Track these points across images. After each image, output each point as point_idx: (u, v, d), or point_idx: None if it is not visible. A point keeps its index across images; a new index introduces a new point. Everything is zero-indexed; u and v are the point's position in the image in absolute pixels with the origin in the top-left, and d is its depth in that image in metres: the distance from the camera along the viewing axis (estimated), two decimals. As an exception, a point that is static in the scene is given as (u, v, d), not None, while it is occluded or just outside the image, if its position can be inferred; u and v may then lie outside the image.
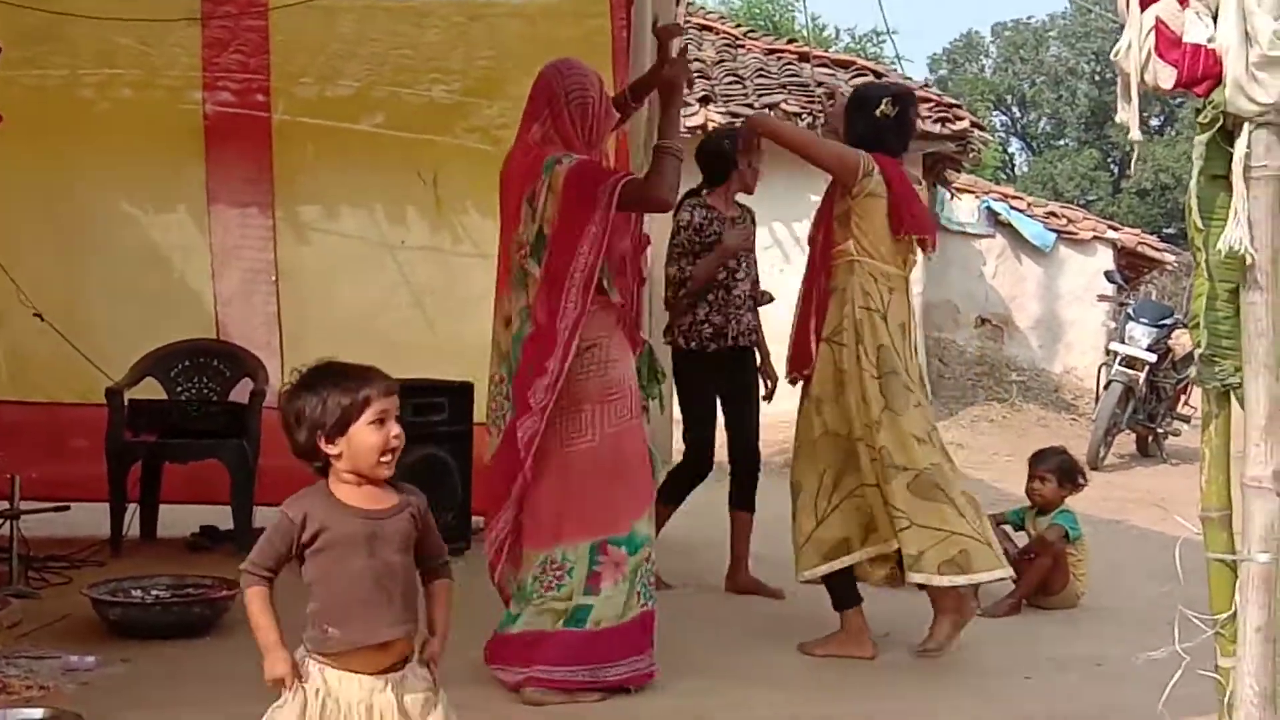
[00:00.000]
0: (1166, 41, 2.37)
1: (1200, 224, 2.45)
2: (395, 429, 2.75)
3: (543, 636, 4.25)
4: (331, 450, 2.73)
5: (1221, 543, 2.60)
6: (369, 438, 2.71)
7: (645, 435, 4.45)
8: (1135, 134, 2.40)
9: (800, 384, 4.95)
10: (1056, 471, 5.96)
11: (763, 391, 6.04)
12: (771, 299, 6.16)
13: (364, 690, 2.69)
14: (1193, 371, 2.59)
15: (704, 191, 5.98)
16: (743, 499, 5.97)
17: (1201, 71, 2.38)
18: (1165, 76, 2.36)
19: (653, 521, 4.43)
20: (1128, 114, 2.40)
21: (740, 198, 6.10)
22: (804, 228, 11.73)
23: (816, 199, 12.11)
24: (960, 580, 4.66)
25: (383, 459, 2.73)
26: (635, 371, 4.43)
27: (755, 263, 6.09)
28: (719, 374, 5.90)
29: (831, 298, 4.85)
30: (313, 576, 2.73)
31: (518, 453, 4.23)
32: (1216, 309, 2.50)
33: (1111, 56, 2.41)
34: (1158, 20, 2.36)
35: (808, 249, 5.16)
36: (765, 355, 6.05)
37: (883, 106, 4.97)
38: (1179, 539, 2.81)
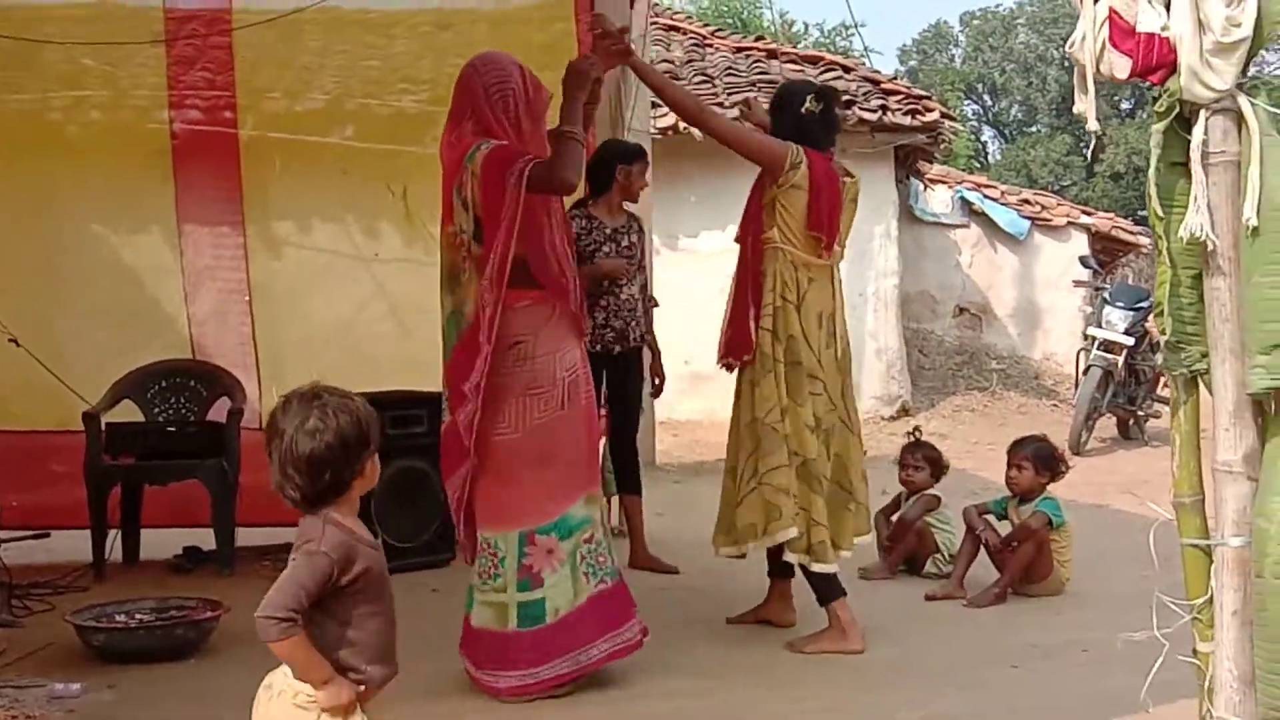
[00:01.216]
0: (1120, 31, 2.38)
1: (1160, 212, 2.46)
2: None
3: (508, 640, 4.30)
4: (359, 480, 2.66)
5: (1195, 528, 2.61)
6: (373, 470, 2.69)
7: (587, 421, 4.50)
8: (1092, 124, 2.41)
9: (736, 370, 5.09)
10: (1034, 459, 5.98)
11: (648, 389, 6.61)
12: (658, 304, 6.80)
13: None
14: (1158, 360, 2.57)
15: (589, 202, 6.28)
16: (632, 485, 6.48)
17: (1156, 60, 2.39)
18: (1120, 66, 2.37)
19: (594, 503, 4.47)
20: (1084, 105, 2.41)
21: (628, 205, 6.41)
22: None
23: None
24: (805, 560, 4.86)
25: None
26: (578, 359, 4.48)
27: (644, 267, 6.55)
28: (619, 374, 6.31)
29: (763, 283, 4.98)
30: (347, 616, 2.61)
31: (459, 437, 4.33)
32: (1180, 295, 2.51)
33: (1066, 48, 2.42)
34: (1111, 10, 2.36)
35: (738, 246, 5.20)
36: (656, 354, 6.64)
37: (807, 104, 5.07)
38: (1154, 525, 2.82)
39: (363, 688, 2.60)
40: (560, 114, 4.44)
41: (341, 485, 2.62)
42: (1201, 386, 2.57)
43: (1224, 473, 2.53)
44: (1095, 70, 2.37)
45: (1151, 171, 2.42)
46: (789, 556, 4.94)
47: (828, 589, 4.98)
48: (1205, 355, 2.52)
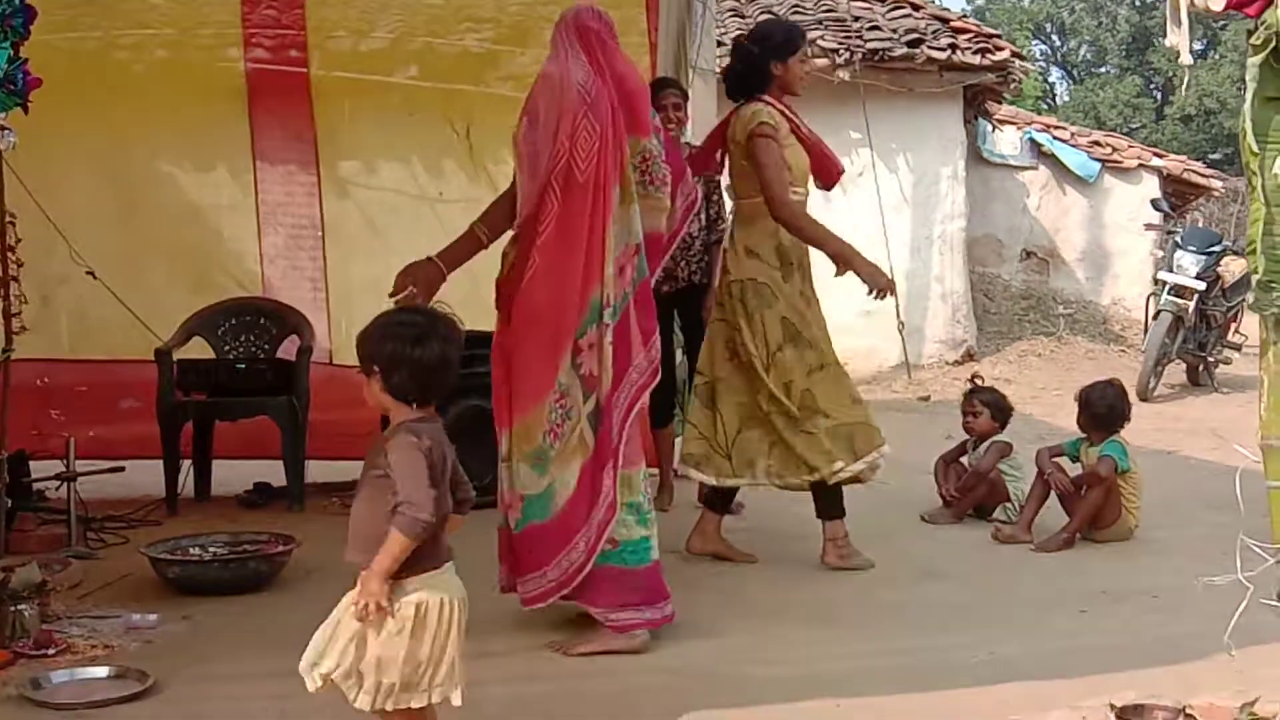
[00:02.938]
0: (1217, -38, 2.31)
1: (1255, 148, 2.39)
2: None
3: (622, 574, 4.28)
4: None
5: (1283, 471, 2.57)
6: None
7: None
8: (1186, 58, 2.34)
9: None
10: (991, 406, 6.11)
11: None
12: None
13: None
14: (1249, 298, 2.50)
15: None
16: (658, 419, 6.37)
17: (1253, -9, 2.32)
18: (1217, -2, 2.31)
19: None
20: (1177, 37, 2.34)
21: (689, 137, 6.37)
22: (843, 164, 11.79)
23: (856, 135, 12.01)
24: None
25: None
26: None
27: (713, 203, 6.46)
28: (669, 313, 6.32)
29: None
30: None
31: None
32: (1274, 234, 2.44)
33: (1161, -21, 2.35)
34: (1208, -59, 2.30)
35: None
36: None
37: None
38: (1238, 469, 2.78)
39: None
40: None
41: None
42: (1292, 327, 2.51)
43: (1312, 415, 2.48)
44: (1189, 2, 2.30)
45: (1246, 106, 2.35)
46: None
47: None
48: (1297, 295, 2.46)
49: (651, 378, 4.36)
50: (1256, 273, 2.45)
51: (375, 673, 2.85)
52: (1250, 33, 2.34)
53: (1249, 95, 2.36)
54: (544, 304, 4.26)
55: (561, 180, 4.21)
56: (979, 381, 6.70)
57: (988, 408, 6.37)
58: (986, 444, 6.29)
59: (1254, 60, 2.35)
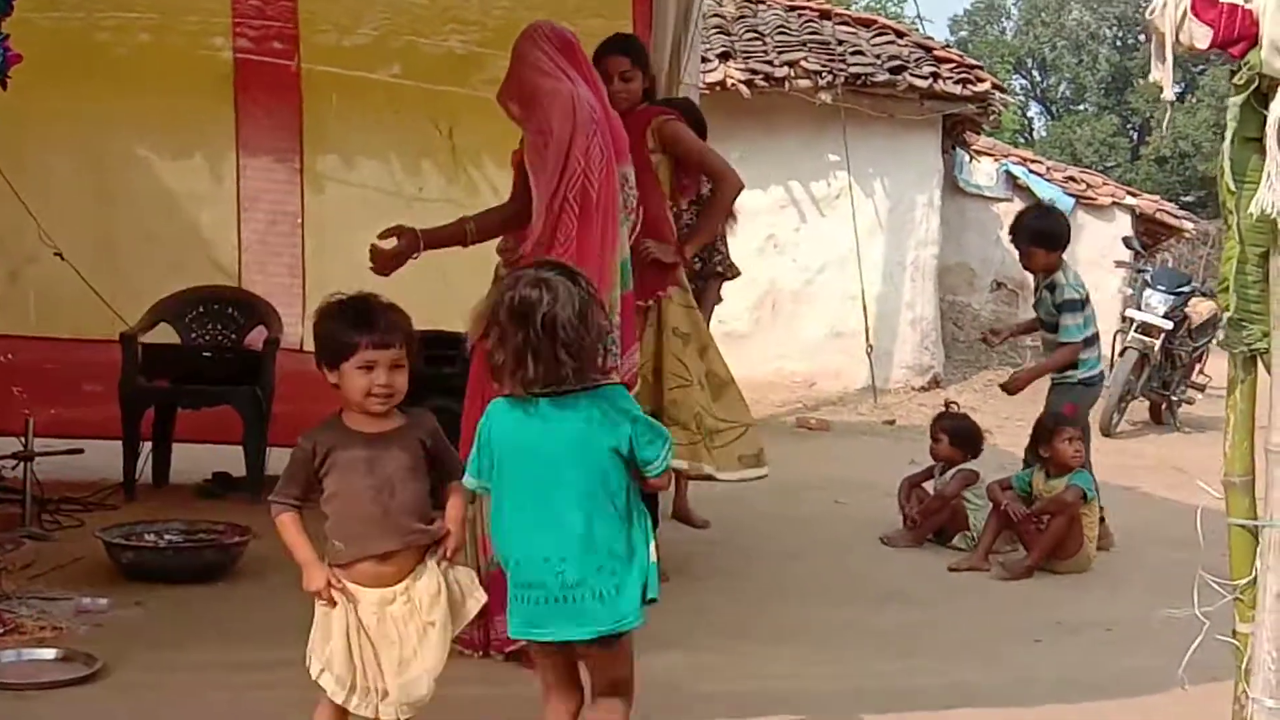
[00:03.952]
0: (1203, 1, 2.33)
1: (1232, 186, 2.42)
2: (382, 378, 2.91)
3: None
4: (331, 379, 2.97)
5: (1243, 508, 2.58)
6: (356, 379, 2.92)
7: None
8: (1169, 94, 2.37)
9: None
10: (1086, 431, 5.97)
11: None
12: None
13: (376, 601, 2.92)
14: (1220, 336, 2.51)
15: None
16: None
17: (1238, 32, 2.34)
18: (1200, 36, 2.33)
19: None
20: (1161, 74, 2.37)
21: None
22: (820, 187, 11.87)
23: (835, 157, 12.10)
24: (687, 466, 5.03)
25: (369, 399, 2.93)
26: None
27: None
28: None
29: None
30: (326, 496, 2.95)
31: None
32: (1246, 273, 2.47)
33: (1146, 15, 2.37)
34: (1195, -22, 2.32)
35: None
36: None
37: None
38: (1199, 506, 2.79)
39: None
40: None
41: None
42: (1260, 367, 2.53)
43: (1277, 454, 2.50)
44: (1175, 40, 2.33)
45: (1226, 145, 2.38)
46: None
47: None
48: (1267, 334, 2.48)
49: (631, 385, 4.35)
50: (1228, 310, 2.48)
51: None
52: (1233, 73, 2.36)
53: (1229, 134, 2.39)
54: None
55: (579, 201, 4.12)
56: (953, 408, 6.69)
57: (946, 434, 6.38)
58: (953, 471, 6.31)
59: (1235, 100, 2.38)
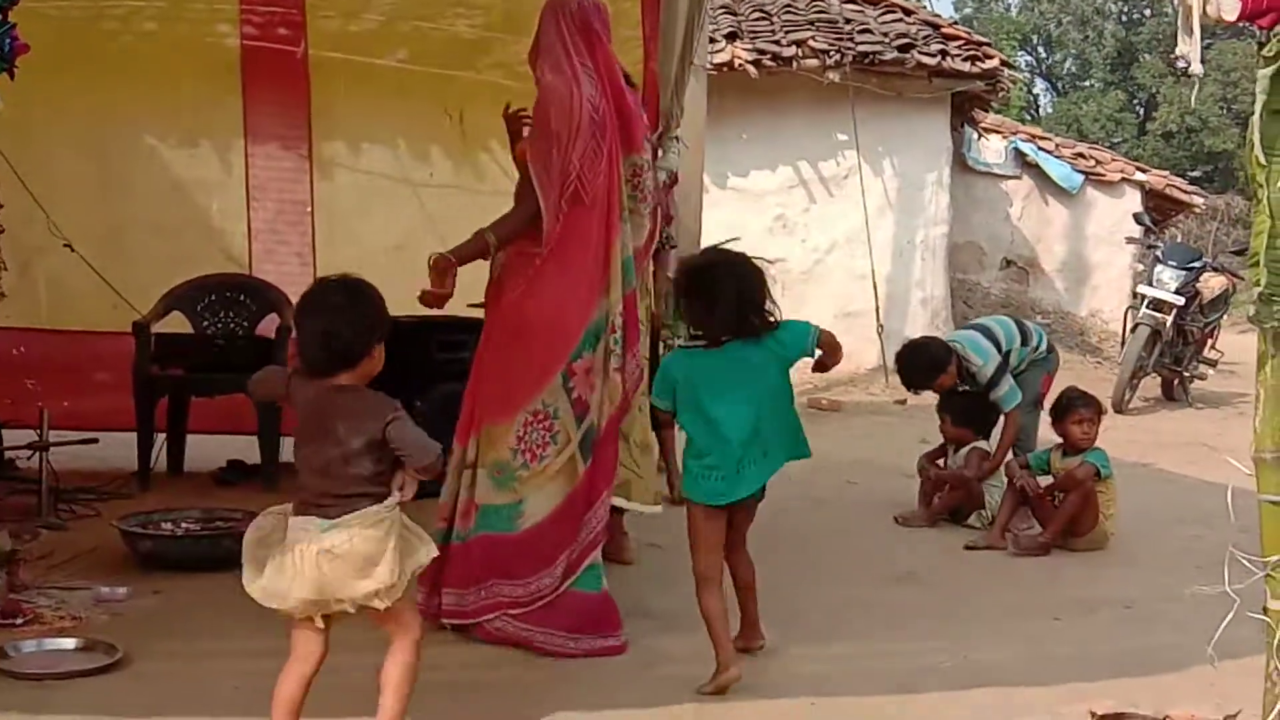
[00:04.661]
0: (1231, -29, 2.30)
1: (1262, 159, 2.38)
2: None
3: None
4: (375, 355, 3.05)
5: (1274, 484, 2.56)
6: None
7: None
8: (1196, 67, 2.34)
9: None
10: (1099, 412, 5.93)
11: None
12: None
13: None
14: (1250, 311, 2.48)
15: None
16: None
17: (1267, 3, 2.31)
18: (1229, 8, 2.29)
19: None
20: (1188, 46, 2.34)
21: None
22: (829, 166, 11.83)
23: (843, 137, 12.05)
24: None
25: None
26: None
27: None
28: None
29: None
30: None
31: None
32: (1277, 247, 2.44)
33: (1174, -14, 2.35)
34: (1223, -52, 2.29)
35: None
36: None
37: None
38: (1228, 483, 2.77)
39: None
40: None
41: (363, 353, 3.04)
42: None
43: (1307, 429, 2.48)
44: (1201, 11, 2.30)
45: (1255, 118, 2.34)
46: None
47: None
48: (1297, 309, 2.45)
49: (637, 383, 4.32)
50: (1259, 285, 2.45)
51: None
52: (1261, 45, 2.33)
53: (1258, 107, 2.36)
54: (536, 322, 4.16)
55: (569, 202, 4.13)
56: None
57: (949, 414, 6.37)
58: (966, 449, 6.29)
59: (1264, 72, 2.35)
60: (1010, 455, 6.19)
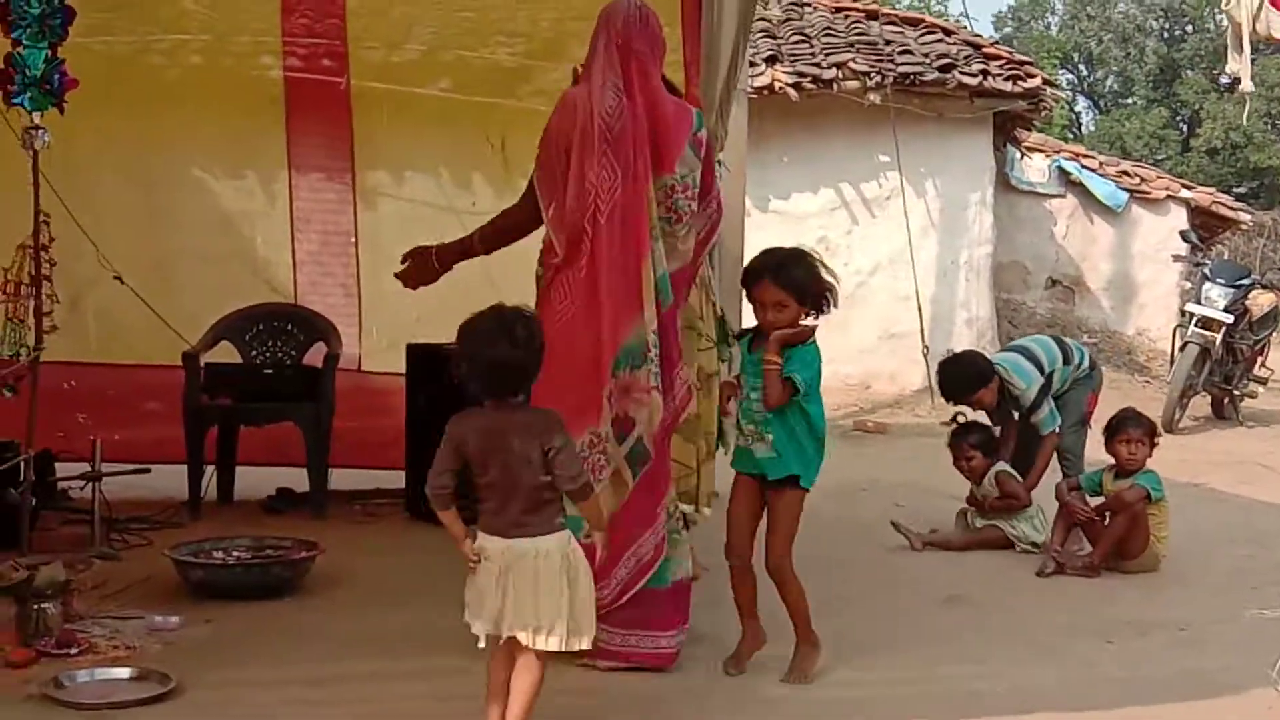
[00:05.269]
0: (1280, -11, 2.29)
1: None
2: None
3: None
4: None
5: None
6: None
7: None
8: (1247, 84, 2.33)
9: None
10: (1150, 434, 5.86)
11: None
12: None
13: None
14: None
15: None
16: None
17: (1315, 20, 2.30)
18: (1279, 25, 2.28)
19: None
20: (1238, 64, 2.33)
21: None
22: (871, 188, 11.82)
23: (885, 158, 12.04)
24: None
25: None
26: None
27: None
28: None
29: None
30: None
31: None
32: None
33: (1222, 6, 2.33)
34: (1271, -33, 2.28)
35: None
36: None
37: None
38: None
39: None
40: None
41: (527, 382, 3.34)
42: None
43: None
44: (1251, 29, 2.28)
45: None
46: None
47: None
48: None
49: (686, 401, 4.31)
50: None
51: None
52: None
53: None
54: (569, 350, 4.09)
55: (591, 225, 4.12)
56: (961, 419, 6.50)
57: (979, 449, 6.28)
58: (991, 474, 6.22)
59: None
60: (1062, 477, 6.14)
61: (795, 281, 4.03)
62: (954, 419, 6.55)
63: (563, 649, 3.27)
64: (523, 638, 3.23)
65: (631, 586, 4.14)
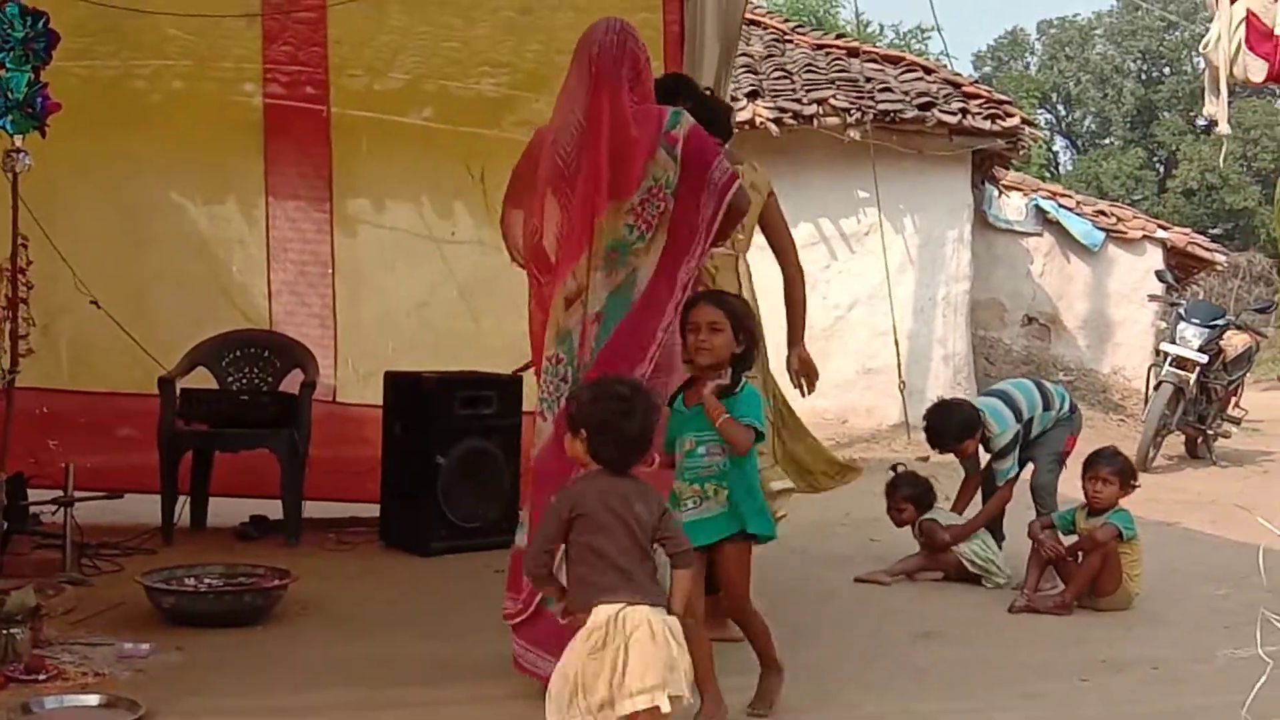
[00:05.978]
0: (1258, 34, 2.32)
1: (1289, 220, 2.39)
2: None
3: None
4: None
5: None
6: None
7: None
8: (1224, 127, 2.36)
9: None
10: (1120, 473, 5.87)
11: None
12: None
13: None
14: None
15: None
16: None
17: (1290, 65, 2.33)
18: (1256, 70, 2.31)
19: None
20: (1215, 107, 2.35)
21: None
22: (850, 223, 11.87)
23: (864, 194, 12.12)
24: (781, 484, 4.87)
25: None
26: None
27: None
28: None
29: None
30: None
31: None
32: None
33: (1200, 49, 2.36)
34: (1249, 13, 2.31)
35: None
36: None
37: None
38: (1260, 545, 2.75)
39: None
40: None
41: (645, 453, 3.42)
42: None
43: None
44: (1229, 73, 2.31)
45: (1282, 178, 2.35)
46: None
47: None
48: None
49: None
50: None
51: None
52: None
53: (1286, 168, 2.36)
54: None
55: (537, 263, 4.23)
56: (899, 469, 6.55)
57: (911, 503, 6.31)
58: (918, 523, 6.27)
59: (1291, 132, 2.35)
60: (1035, 515, 6.15)
61: (731, 308, 4.04)
62: (893, 468, 6.59)
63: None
64: (642, 701, 3.10)
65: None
